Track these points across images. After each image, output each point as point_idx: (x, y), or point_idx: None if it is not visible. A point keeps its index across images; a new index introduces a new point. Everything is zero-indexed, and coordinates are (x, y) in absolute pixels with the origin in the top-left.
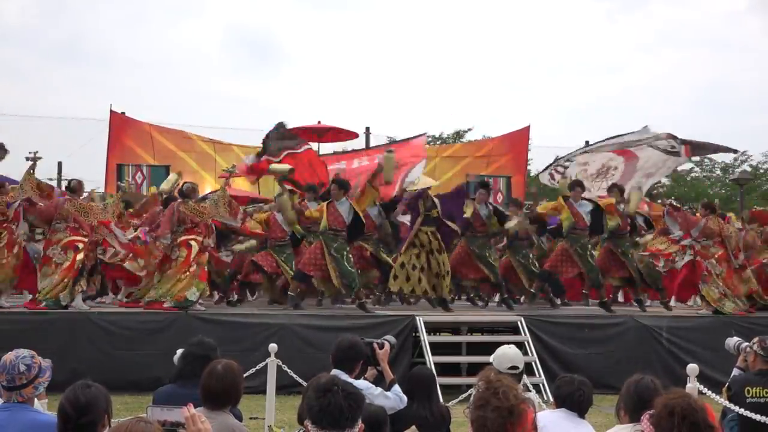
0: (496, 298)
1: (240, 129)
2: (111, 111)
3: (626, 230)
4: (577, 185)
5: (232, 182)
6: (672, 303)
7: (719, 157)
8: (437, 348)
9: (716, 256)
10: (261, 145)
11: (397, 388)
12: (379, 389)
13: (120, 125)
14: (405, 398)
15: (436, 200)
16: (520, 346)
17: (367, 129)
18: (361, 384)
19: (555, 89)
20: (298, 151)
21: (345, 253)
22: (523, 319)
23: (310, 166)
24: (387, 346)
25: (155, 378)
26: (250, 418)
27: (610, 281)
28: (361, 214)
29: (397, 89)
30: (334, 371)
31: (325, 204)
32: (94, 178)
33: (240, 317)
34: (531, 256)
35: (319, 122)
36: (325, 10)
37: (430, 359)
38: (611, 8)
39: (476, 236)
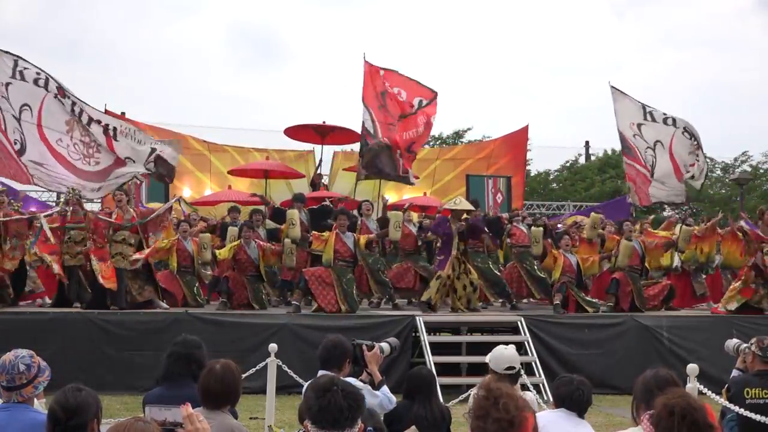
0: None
1: (241, 129)
2: (106, 111)
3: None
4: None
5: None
6: None
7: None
8: (437, 348)
9: None
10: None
11: (385, 388)
12: (367, 386)
13: None
14: (393, 399)
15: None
16: (520, 346)
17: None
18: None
19: (555, 89)
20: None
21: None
22: (523, 319)
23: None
24: (377, 348)
25: (155, 378)
26: (250, 418)
27: None
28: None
29: None
30: (321, 372)
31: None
32: None
33: (240, 317)
34: (536, 263)
35: (324, 122)
36: (329, 8)
37: (430, 359)
38: (611, 8)
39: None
